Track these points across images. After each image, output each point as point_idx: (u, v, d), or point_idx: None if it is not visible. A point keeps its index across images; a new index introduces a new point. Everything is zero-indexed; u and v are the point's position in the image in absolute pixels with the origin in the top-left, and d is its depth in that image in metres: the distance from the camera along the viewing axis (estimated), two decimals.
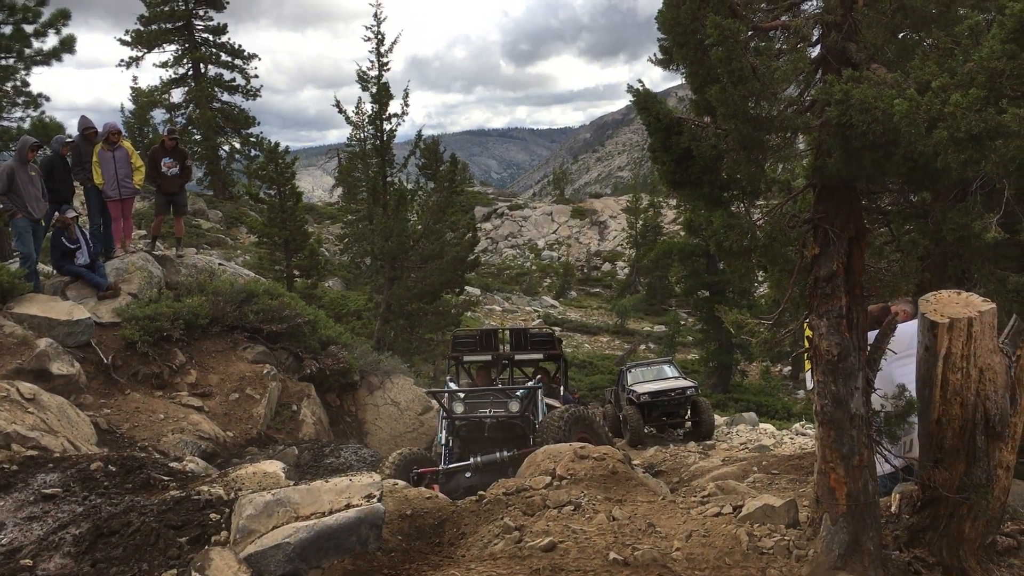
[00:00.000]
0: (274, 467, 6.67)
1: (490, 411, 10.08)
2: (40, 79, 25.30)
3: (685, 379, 21.22)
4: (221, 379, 11.54)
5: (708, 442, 18.47)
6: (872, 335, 5.36)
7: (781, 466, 10.79)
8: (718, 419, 21.70)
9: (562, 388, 12.12)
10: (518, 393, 10.22)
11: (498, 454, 9.56)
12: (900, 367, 5.60)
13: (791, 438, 18.72)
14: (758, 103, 4.40)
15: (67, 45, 18.05)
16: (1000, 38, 3.78)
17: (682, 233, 39.70)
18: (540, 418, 9.96)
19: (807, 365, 5.53)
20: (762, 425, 21.53)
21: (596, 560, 5.09)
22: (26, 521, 5.72)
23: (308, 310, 13.86)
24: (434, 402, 13.81)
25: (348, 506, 5.40)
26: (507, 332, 12.30)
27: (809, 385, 5.58)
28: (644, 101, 5.07)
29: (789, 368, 37.04)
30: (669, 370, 21.68)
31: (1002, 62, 3.74)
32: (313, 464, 10.36)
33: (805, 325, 5.34)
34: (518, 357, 11.90)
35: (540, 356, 11.96)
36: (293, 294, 15.91)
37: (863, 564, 4.91)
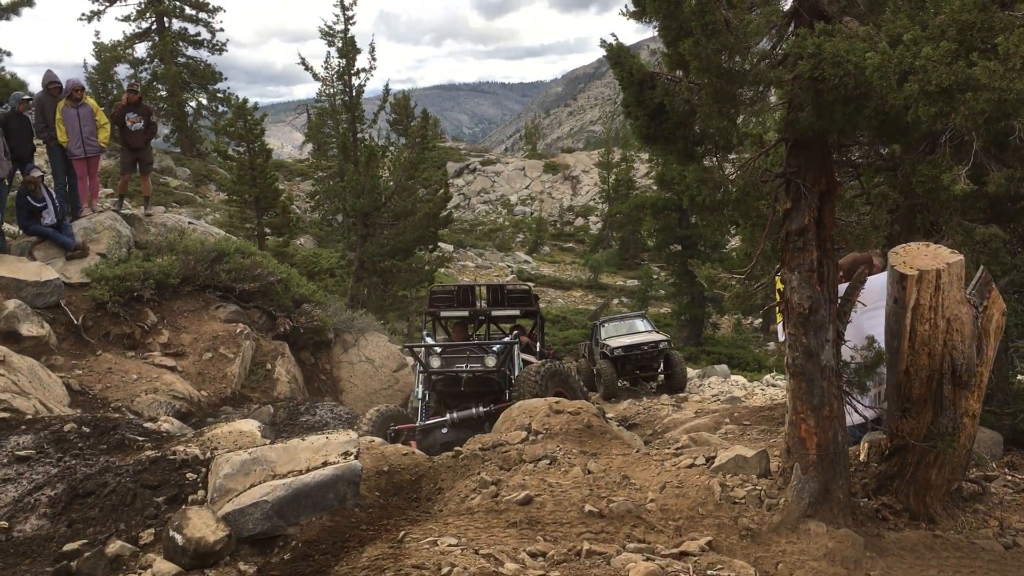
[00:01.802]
0: (250, 426, 6.67)
1: (467, 366, 10.11)
2: None
3: (658, 333, 21.37)
4: (194, 339, 11.47)
5: (681, 395, 18.68)
6: (844, 288, 5.43)
7: (752, 417, 10.94)
8: (690, 372, 21.93)
9: (538, 344, 12.18)
10: (494, 348, 10.26)
11: (474, 410, 9.62)
12: (870, 319, 5.68)
13: (762, 389, 18.98)
14: (731, 57, 4.39)
15: None
16: None
17: (654, 187, 39.70)
18: (516, 373, 10.02)
19: (779, 317, 5.59)
20: (734, 377, 21.77)
21: (572, 512, 5.17)
22: (0, 483, 5.70)
23: (280, 268, 13.77)
24: (409, 359, 13.82)
25: (325, 464, 5.42)
26: (484, 288, 12.29)
27: (781, 337, 5.65)
28: (617, 55, 5.04)
29: (760, 320, 37.42)
30: (642, 324, 21.82)
31: (972, 14, 3.75)
32: (289, 422, 10.38)
33: (777, 279, 5.39)
34: (495, 313, 11.92)
35: (517, 312, 11.98)
36: (265, 252, 15.77)
37: (832, 512, 5.03)
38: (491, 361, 9.98)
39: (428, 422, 9.82)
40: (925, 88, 3.79)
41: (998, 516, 5.51)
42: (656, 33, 4.91)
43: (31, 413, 7.49)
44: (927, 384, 5.24)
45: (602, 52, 5.24)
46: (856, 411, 5.59)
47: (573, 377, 10.27)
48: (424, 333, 11.94)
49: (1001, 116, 3.95)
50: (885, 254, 5.72)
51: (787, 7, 4.79)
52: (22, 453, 6.06)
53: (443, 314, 12.04)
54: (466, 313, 11.94)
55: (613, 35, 5.17)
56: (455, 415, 9.65)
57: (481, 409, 9.58)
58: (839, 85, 4.07)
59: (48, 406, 8.09)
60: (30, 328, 9.70)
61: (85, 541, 5.07)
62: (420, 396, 10.34)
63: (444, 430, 9.62)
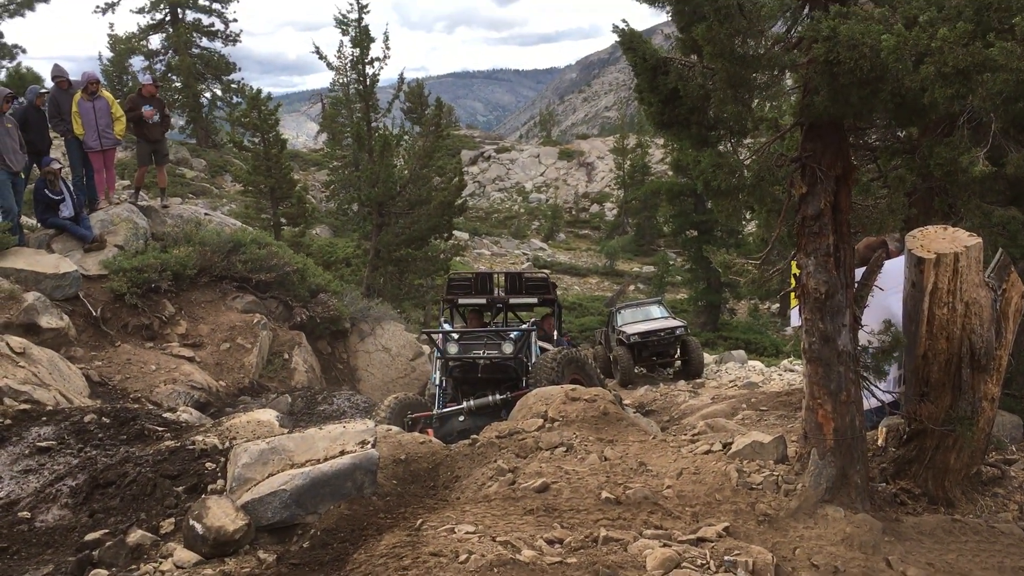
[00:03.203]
0: (267, 415, 6.72)
1: (484, 352, 10.12)
2: (14, 27, 24.84)
3: (674, 319, 21.32)
4: (211, 329, 11.55)
5: (698, 380, 18.65)
6: (860, 273, 5.39)
7: (770, 403, 10.92)
8: (707, 357, 21.87)
9: (555, 332, 12.15)
10: (512, 335, 10.25)
11: (491, 397, 9.62)
12: (898, 301, 5.63)
13: (779, 375, 18.91)
14: (745, 41, 4.35)
15: None
16: None
17: (670, 173, 39.55)
18: (533, 360, 10.01)
19: (794, 302, 5.56)
20: (751, 362, 21.71)
21: (589, 499, 5.17)
22: (22, 474, 5.76)
23: (296, 258, 13.82)
24: (425, 348, 13.86)
25: (343, 452, 5.45)
26: (502, 276, 12.26)
27: (794, 322, 5.62)
28: (630, 41, 5.01)
29: (777, 305, 37.22)
30: (658, 310, 21.77)
31: None
32: (306, 412, 10.43)
33: (793, 264, 5.37)
34: (513, 301, 11.90)
35: (535, 300, 11.95)
36: (281, 243, 15.84)
37: (850, 497, 5.01)
38: (508, 348, 9.98)
39: (445, 410, 9.84)
40: (942, 70, 3.75)
41: (1018, 500, 5.48)
42: (669, 18, 4.88)
43: (52, 404, 7.57)
44: (945, 368, 5.20)
45: (616, 38, 5.21)
46: (874, 396, 5.56)
47: (590, 364, 10.25)
48: (442, 320, 11.95)
49: (1019, 97, 3.91)
50: (902, 238, 5.68)
51: None
52: (43, 444, 6.12)
53: (461, 301, 12.03)
54: (484, 301, 11.93)
55: (625, 21, 5.13)
56: (472, 403, 9.66)
57: (498, 396, 9.59)
58: (854, 68, 4.03)
59: (68, 397, 8.17)
60: (49, 320, 9.79)
61: (106, 531, 5.13)
62: (437, 382, 10.37)
63: (461, 418, 9.63)
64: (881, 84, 4.10)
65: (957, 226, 5.52)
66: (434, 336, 10.64)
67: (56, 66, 12.69)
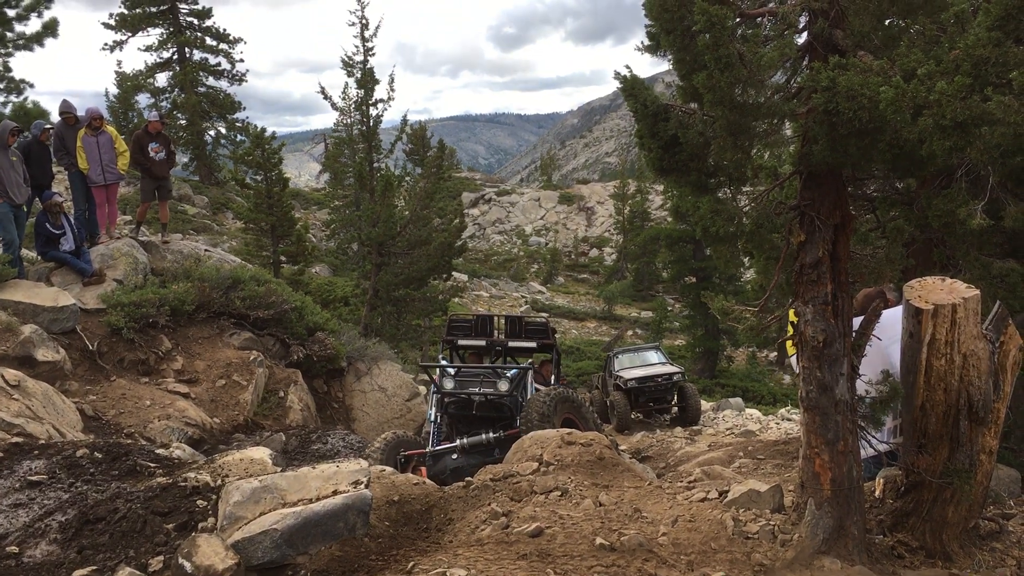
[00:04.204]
0: (261, 453, 6.66)
1: (480, 389, 10.10)
2: (22, 62, 25.12)
3: (671, 365, 21.29)
4: (207, 365, 11.50)
5: (694, 427, 18.58)
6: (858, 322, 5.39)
7: (767, 451, 10.86)
8: (704, 404, 21.80)
9: (553, 377, 12.14)
10: (508, 374, 10.25)
11: (484, 436, 9.58)
12: (895, 351, 5.62)
13: (777, 423, 18.84)
14: (745, 90, 4.40)
15: (50, 29, 17.88)
16: (986, 25, 3.79)
17: (669, 219, 39.78)
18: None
19: (791, 350, 5.56)
20: (748, 410, 21.63)
21: (583, 545, 5.12)
22: (11, 508, 5.70)
23: (295, 296, 13.81)
24: (421, 388, 13.82)
25: (335, 492, 5.40)
26: (502, 319, 12.28)
27: (796, 370, 5.60)
28: (631, 88, 5.07)
29: (775, 353, 37.18)
30: (656, 356, 21.75)
31: (987, 49, 3.76)
32: (300, 450, 10.35)
33: (791, 311, 5.37)
34: (512, 344, 11.90)
35: (534, 344, 11.96)
36: (280, 280, 15.84)
37: (847, 548, 4.96)
38: (504, 386, 9.96)
39: (438, 448, 9.80)
40: (939, 122, 3.79)
41: (1016, 555, 5.43)
42: (670, 66, 4.94)
43: (44, 438, 7.52)
44: (943, 420, 5.18)
45: (617, 84, 5.28)
46: (872, 446, 5.53)
47: (585, 406, 10.22)
48: (440, 358, 11.94)
49: (1017, 150, 3.94)
50: (900, 288, 5.69)
51: (801, 41, 4.81)
52: (34, 478, 6.06)
53: (461, 343, 12.04)
54: (483, 343, 11.93)
55: (628, 68, 5.21)
56: (465, 441, 9.62)
57: (491, 435, 9.55)
58: (853, 119, 4.07)
59: (61, 431, 8.11)
60: (45, 353, 9.75)
61: (94, 567, 5.06)
62: (432, 418, 10.34)
63: (454, 456, 9.59)
64: (879, 135, 4.14)
65: (955, 277, 5.54)
66: (430, 369, 10.64)
67: (64, 101, 12.83)
